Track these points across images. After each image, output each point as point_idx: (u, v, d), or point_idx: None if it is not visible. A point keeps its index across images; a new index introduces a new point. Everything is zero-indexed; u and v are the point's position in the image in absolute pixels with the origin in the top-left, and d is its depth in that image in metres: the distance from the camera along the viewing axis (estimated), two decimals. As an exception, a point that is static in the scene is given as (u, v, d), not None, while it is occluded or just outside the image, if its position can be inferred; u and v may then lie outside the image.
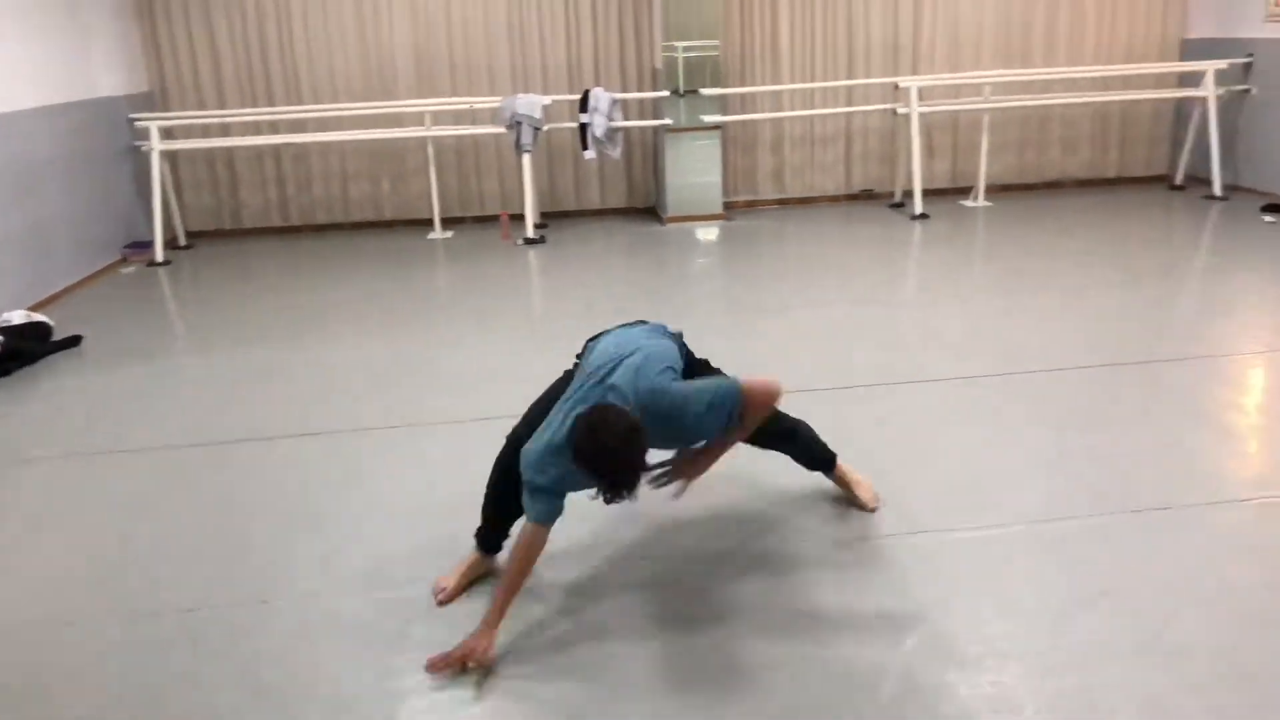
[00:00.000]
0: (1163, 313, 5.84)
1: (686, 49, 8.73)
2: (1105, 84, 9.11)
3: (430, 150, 8.38)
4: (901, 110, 8.45)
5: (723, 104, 8.69)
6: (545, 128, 8.18)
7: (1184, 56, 9.23)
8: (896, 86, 8.58)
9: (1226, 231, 7.65)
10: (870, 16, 8.90)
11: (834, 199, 9.30)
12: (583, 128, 8.20)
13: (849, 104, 9.00)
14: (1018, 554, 3.22)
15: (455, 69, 8.71)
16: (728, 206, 8.94)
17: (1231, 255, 7.03)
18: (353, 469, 4.09)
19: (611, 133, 8.25)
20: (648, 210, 9.23)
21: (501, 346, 5.59)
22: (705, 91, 8.55)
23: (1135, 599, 2.92)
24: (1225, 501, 3.50)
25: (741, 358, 5.21)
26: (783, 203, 9.26)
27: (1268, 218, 7.77)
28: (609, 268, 7.45)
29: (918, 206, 8.30)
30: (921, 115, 8.43)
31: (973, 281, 6.64)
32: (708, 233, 8.36)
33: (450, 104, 8.38)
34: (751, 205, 9.21)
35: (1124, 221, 8.14)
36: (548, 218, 8.84)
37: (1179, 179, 9.18)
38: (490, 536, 3.17)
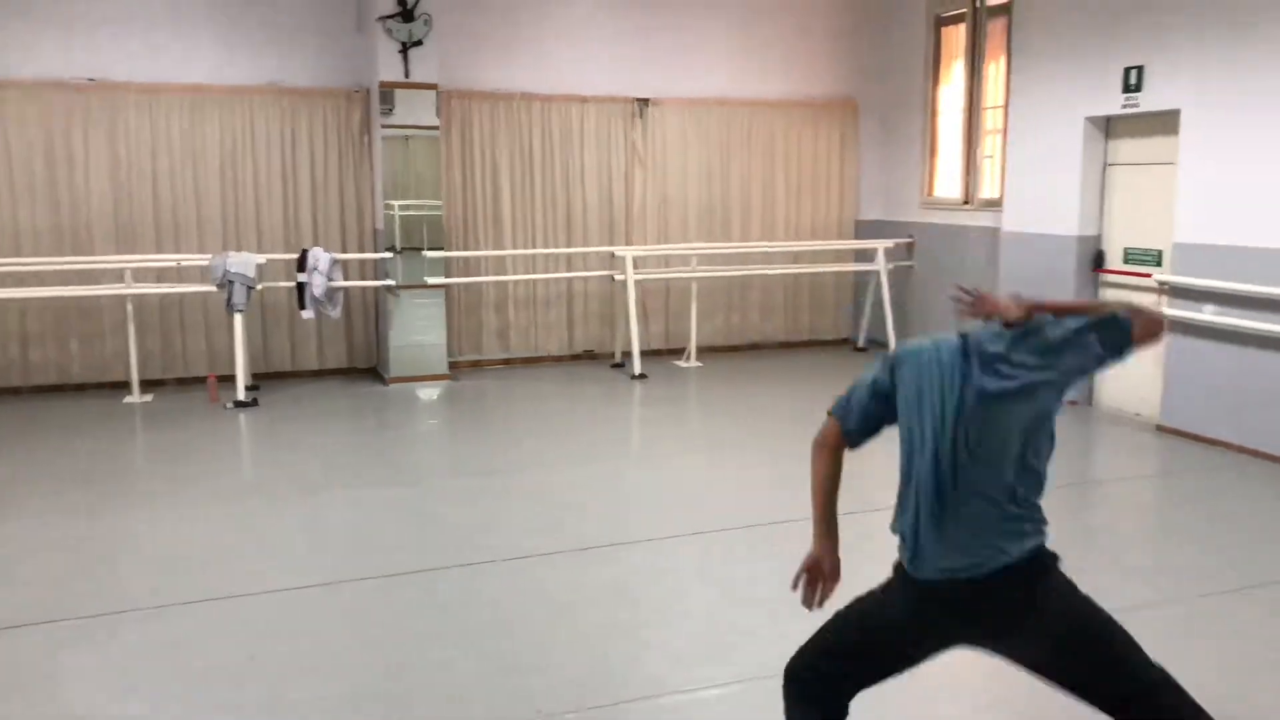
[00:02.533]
0: (865, 464, 6.35)
1: (407, 208, 8.82)
2: (796, 258, 10.09)
3: (130, 308, 7.82)
4: (619, 277, 8.91)
5: (446, 265, 8.79)
6: (259, 286, 7.90)
7: (858, 236, 10.42)
8: (613, 255, 9.06)
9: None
10: (587, 187, 9.42)
11: (558, 359, 9.55)
12: (300, 287, 7.99)
13: (569, 269, 9.38)
14: (759, 708, 3.32)
15: (160, 223, 8.27)
16: (453, 366, 8.94)
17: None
18: (15, 679, 3.59)
19: (331, 292, 8.10)
20: (369, 370, 9.04)
21: (206, 521, 5.19)
22: (428, 253, 8.63)
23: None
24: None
25: (469, 519, 5.15)
26: (508, 363, 9.38)
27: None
28: (327, 430, 7.17)
29: (637, 367, 8.68)
30: (637, 281, 8.92)
31: (692, 439, 6.98)
32: (431, 393, 8.29)
33: (155, 261, 7.92)
34: (477, 365, 9.26)
35: (820, 379, 8.89)
36: (261, 379, 8.43)
37: (861, 341, 10.21)
38: None
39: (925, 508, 2.36)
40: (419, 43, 8.30)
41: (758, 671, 3.55)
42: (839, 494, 2.58)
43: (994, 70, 8.99)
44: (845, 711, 2.45)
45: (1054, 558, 2.33)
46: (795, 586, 2.59)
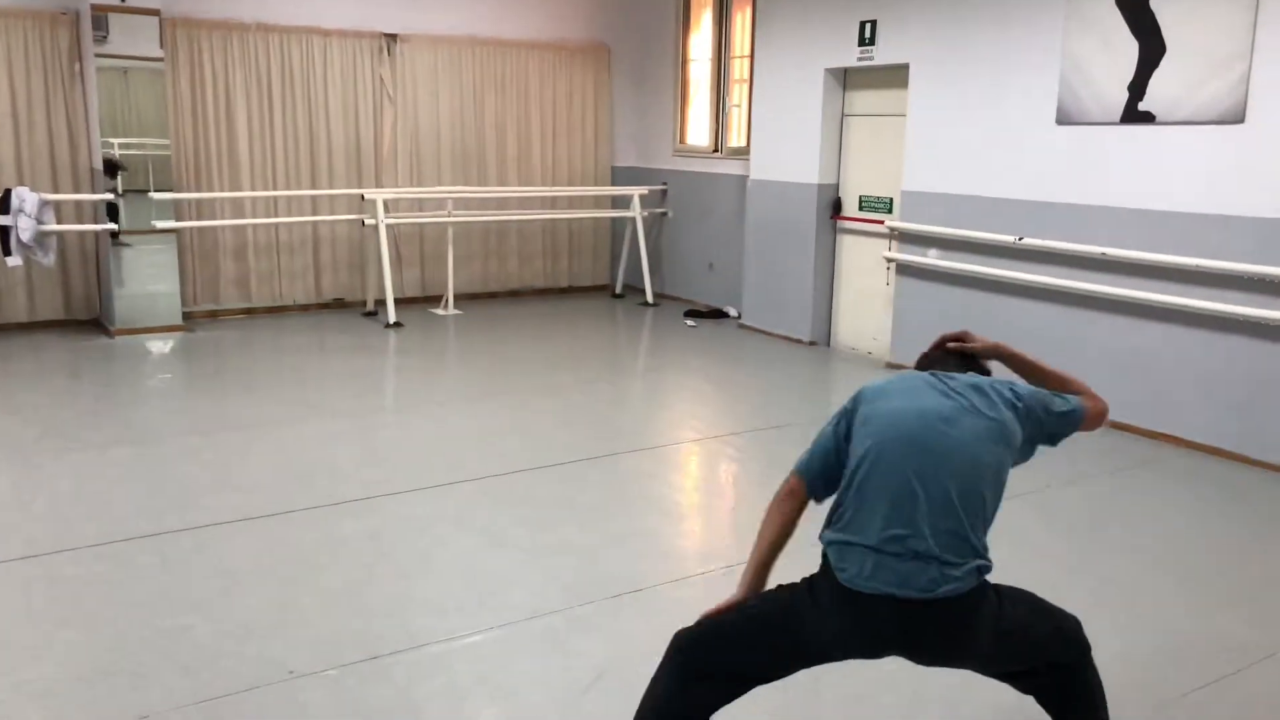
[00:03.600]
0: (616, 410, 6.49)
1: (129, 146, 8.06)
2: (553, 203, 10.05)
3: None
4: (370, 221, 8.54)
5: (176, 209, 8.12)
6: (-47, 230, 7.01)
7: (614, 182, 10.50)
8: (363, 198, 8.68)
9: (658, 334, 8.75)
10: (332, 126, 8.94)
11: (305, 308, 9.08)
12: (3, 231, 7.16)
13: (315, 212, 8.91)
14: (519, 651, 3.31)
15: None
16: (188, 317, 8.31)
17: (664, 355, 8.06)
18: None
19: (41, 237, 7.30)
20: (90, 322, 8.25)
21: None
22: (155, 195, 7.93)
23: (629, 675, 3.13)
24: (681, 579, 3.93)
25: (205, 478, 4.83)
26: (250, 312, 8.83)
27: (689, 322, 9.02)
28: (44, 388, 6.50)
29: (391, 315, 8.40)
30: (389, 226, 8.60)
31: (449, 389, 6.84)
32: (163, 345, 7.68)
33: None
34: (215, 315, 8.66)
35: (577, 327, 8.96)
36: (-41, 333, 7.52)
37: (618, 288, 10.34)
38: None
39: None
40: (137, -39, 7.55)
41: (517, 615, 3.54)
42: (783, 550, 2.42)
43: (741, 20, 9.23)
44: (721, 704, 2.34)
45: (993, 588, 2.31)
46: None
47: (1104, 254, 5.89)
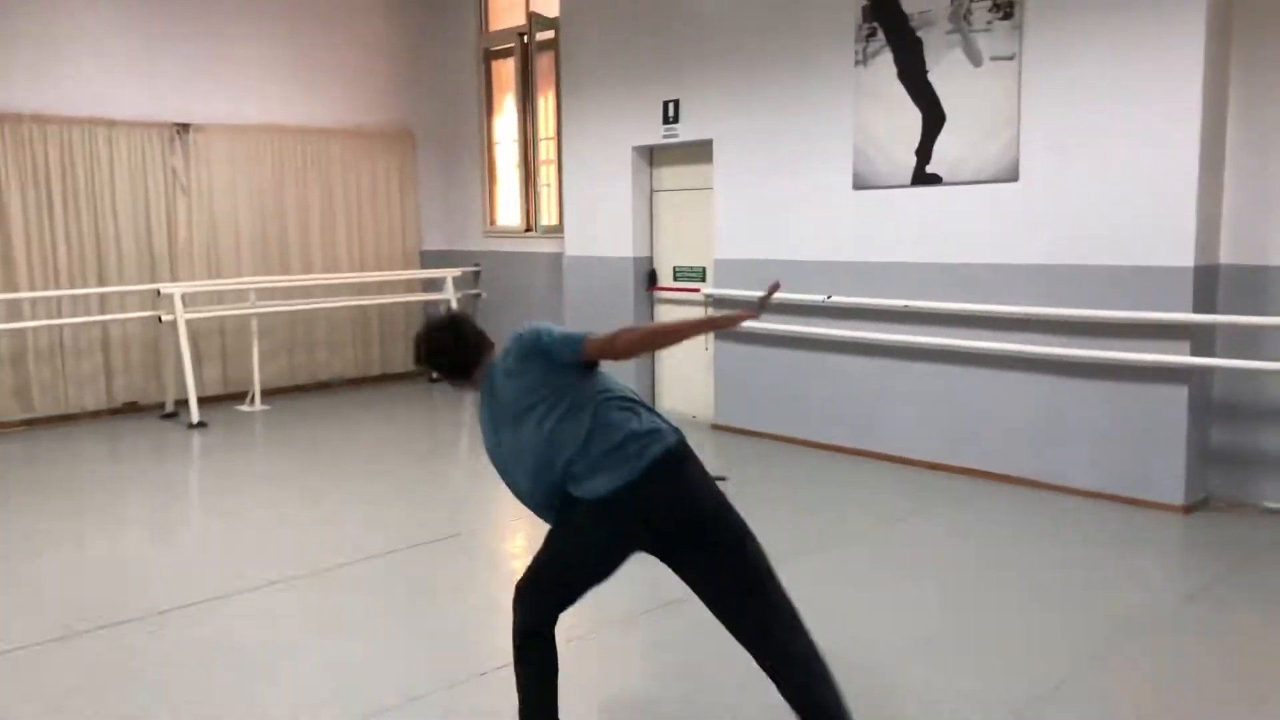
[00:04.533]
0: (441, 492, 6.34)
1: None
2: (362, 289, 9.81)
3: None
4: (166, 317, 8.06)
5: (-57, 314, 7.42)
6: None
7: (424, 266, 10.38)
8: (159, 293, 8.19)
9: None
10: (120, 223, 8.44)
11: (96, 414, 8.42)
12: None
13: (104, 311, 8.34)
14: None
15: None
16: (-43, 432, 7.55)
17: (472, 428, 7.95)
18: None
19: None
20: None
21: None
22: (-82, 300, 7.23)
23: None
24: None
25: (13, 599, 4.36)
26: (30, 423, 8.10)
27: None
28: None
29: (194, 415, 7.90)
30: (188, 321, 8.14)
31: (262, 487, 6.47)
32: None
33: None
34: (-8, 428, 7.90)
35: (393, 414, 8.73)
36: None
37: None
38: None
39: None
40: (-110, 49, 6.97)
41: (379, 707, 3.34)
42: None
43: (545, 103, 9.43)
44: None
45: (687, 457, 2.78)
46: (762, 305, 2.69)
47: (905, 306, 6.29)
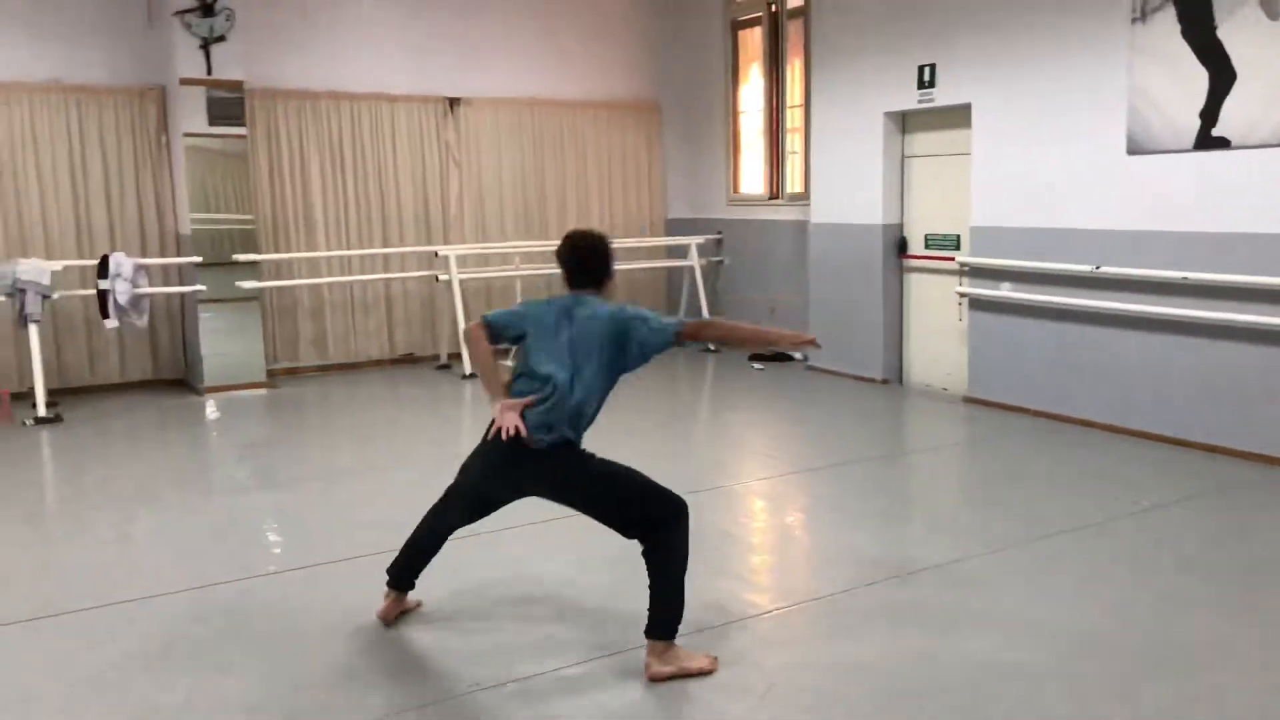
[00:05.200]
0: (695, 450, 6.63)
1: (215, 211, 8.33)
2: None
3: (-101, 323, 7.01)
4: (443, 277, 8.78)
5: (257, 271, 8.38)
6: (55, 295, 7.27)
7: (668, 234, 10.73)
8: (435, 254, 8.92)
9: (724, 379, 8.90)
10: (401, 187, 9.24)
11: (378, 363, 9.29)
12: (102, 295, 7.42)
13: (387, 270, 9.17)
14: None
15: (-73, 231, 7.47)
16: (269, 374, 8.53)
17: (733, 398, 8.21)
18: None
19: (136, 299, 7.56)
20: (176, 382, 8.48)
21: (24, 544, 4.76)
22: (239, 258, 8.18)
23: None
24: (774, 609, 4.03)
25: (341, 518, 4.97)
26: (324, 369, 9.04)
27: (755, 365, 9.17)
28: (151, 443, 6.70)
29: (467, 367, 8.59)
30: (460, 281, 8.83)
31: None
32: (252, 401, 7.88)
33: (-73, 270, 7.13)
34: (293, 373, 8.87)
35: (643, 374, 9.06)
36: (56, 395, 7.73)
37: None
38: (401, 575, 3.69)
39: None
40: (221, 38, 7.90)
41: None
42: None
43: (792, 71, 9.51)
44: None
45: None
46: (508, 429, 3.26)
47: (1184, 278, 6.02)
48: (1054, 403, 6.90)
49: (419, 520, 3.68)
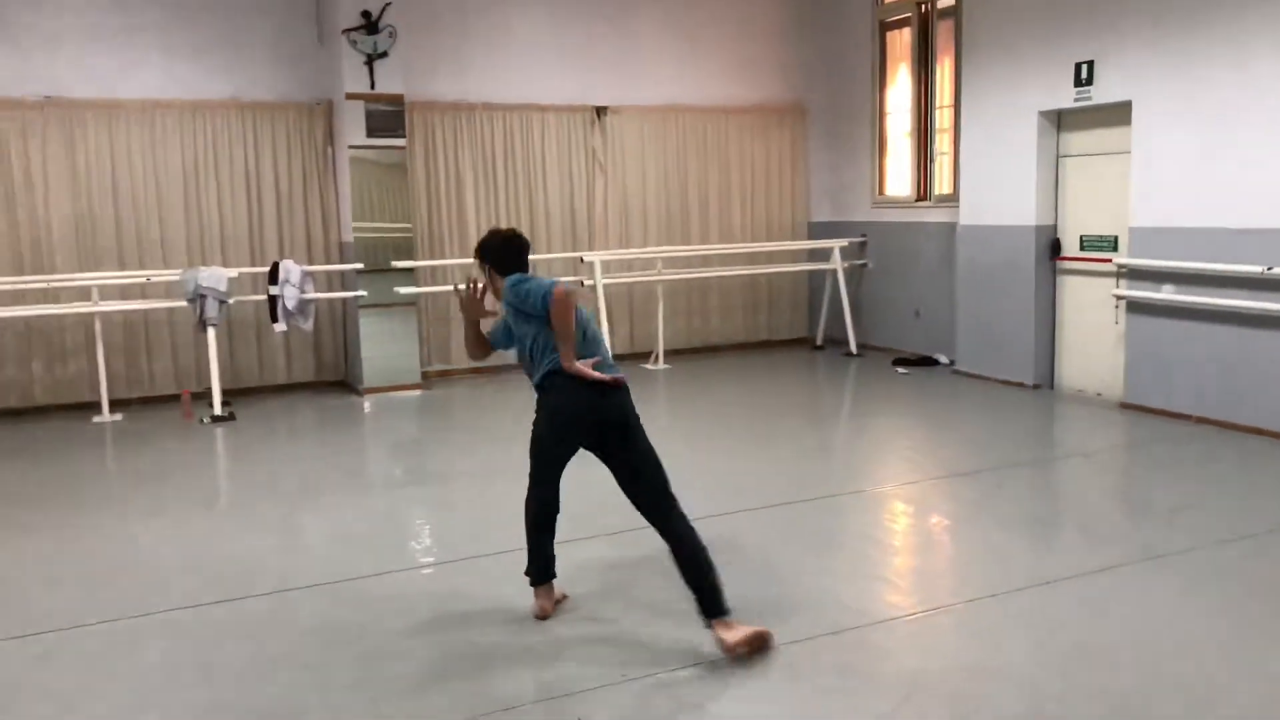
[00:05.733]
0: (838, 453, 6.58)
1: (375, 225, 8.76)
2: (752, 259, 10.29)
3: (98, 327, 7.65)
4: (588, 281, 8.99)
5: (414, 277, 8.76)
6: (232, 300, 7.80)
7: (810, 237, 10.67)
8: (581, 260, 9.15)
9: (867, 383, 8.80)
10: (549, 194, 9.51)
11: (516, 367, 9.54)
12: (272, 300, 7.91)
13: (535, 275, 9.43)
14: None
15: (123, 240, 8.11)
16: (423, 376, 8.91)
17: (877, 402, 8.11)
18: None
19: (303, 304, 8.03)
20: (337, 383, 8.96)
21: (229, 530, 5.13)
22: (398, 263, 8.59)
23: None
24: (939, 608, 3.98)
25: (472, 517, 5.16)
26: (476, 371, 9.37)
27: (900, 369, 9.03)
28: (314, 440, 7.12)
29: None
30: (604, 286, 9.02)
31: (672, 435, 7.06)
32: (410, 402, 8.26)
33: (123, 278, 7.78)
34: (445, 375, 9.25)
35: (782, 377, 9.11)
36: (229, 394, 8.27)
37: (819, 340, 10.45)
38: (538, 569, 3.89)
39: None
40: (384, 54, 8.32)
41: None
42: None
43: (941, 71, 9.34)
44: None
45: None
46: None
47: (1368, 279, 5.65)
48: (1219, 409, 6.57)
49: (524, 519, 3.92)
